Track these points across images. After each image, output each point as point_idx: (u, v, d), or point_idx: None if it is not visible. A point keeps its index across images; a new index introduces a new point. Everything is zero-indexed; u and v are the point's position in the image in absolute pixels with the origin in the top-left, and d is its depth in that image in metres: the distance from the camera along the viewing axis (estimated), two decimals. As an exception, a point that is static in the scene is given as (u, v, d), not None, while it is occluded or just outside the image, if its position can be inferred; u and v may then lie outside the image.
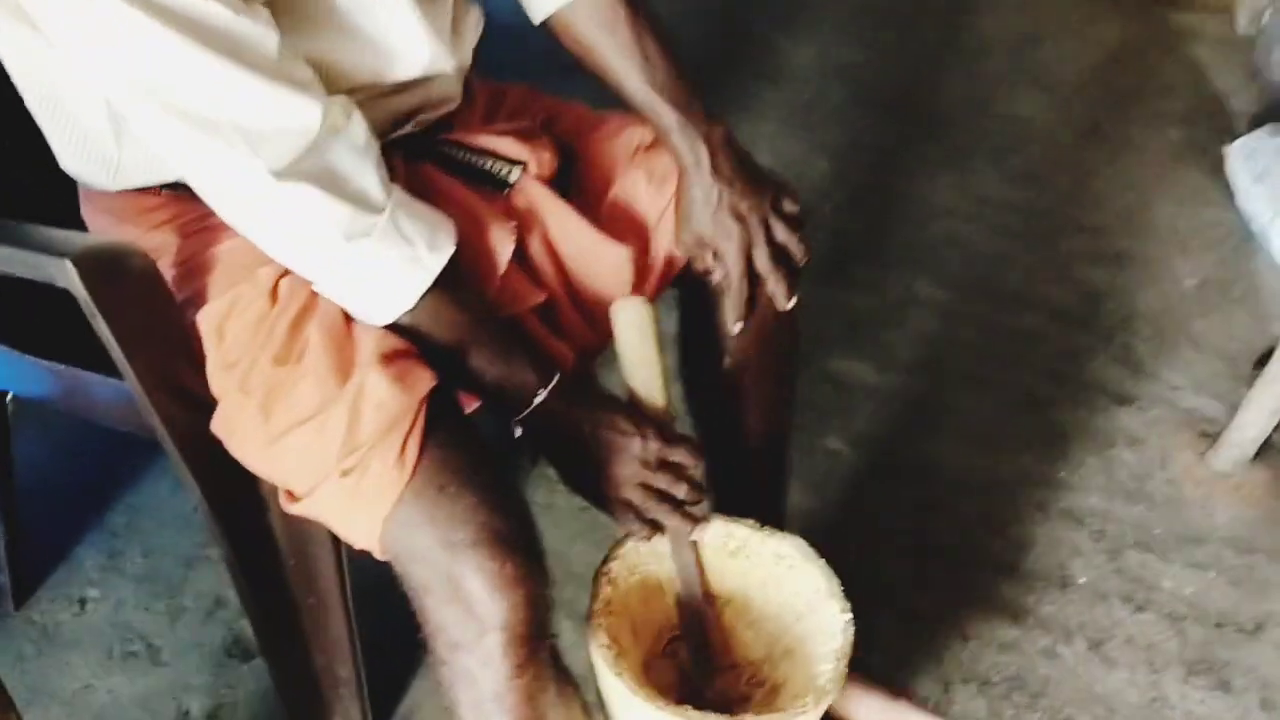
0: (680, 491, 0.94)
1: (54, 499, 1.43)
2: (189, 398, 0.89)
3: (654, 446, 0.92)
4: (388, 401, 0.82)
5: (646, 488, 0.93)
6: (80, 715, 1.22)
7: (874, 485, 1.49)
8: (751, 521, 0.99)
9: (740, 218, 0.99)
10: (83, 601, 1.33)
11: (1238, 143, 2.01)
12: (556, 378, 0.91)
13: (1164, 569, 1.40)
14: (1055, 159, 2.10)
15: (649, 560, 0.97)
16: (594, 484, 0.93)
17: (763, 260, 1.00)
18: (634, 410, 0.94)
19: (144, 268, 0.86)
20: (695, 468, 0.94)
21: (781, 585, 0.99)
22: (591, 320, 1.03)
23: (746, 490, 1.11)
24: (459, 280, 0.88)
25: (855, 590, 0.95)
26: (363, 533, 0.84)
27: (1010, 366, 1.67)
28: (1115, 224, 1.95)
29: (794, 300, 1.02)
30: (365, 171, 0.83)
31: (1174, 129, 2.18)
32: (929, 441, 1.55)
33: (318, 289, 0.86)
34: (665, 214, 1.03)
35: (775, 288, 1.01)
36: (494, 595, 0.82)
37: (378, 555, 0.85)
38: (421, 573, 0.83)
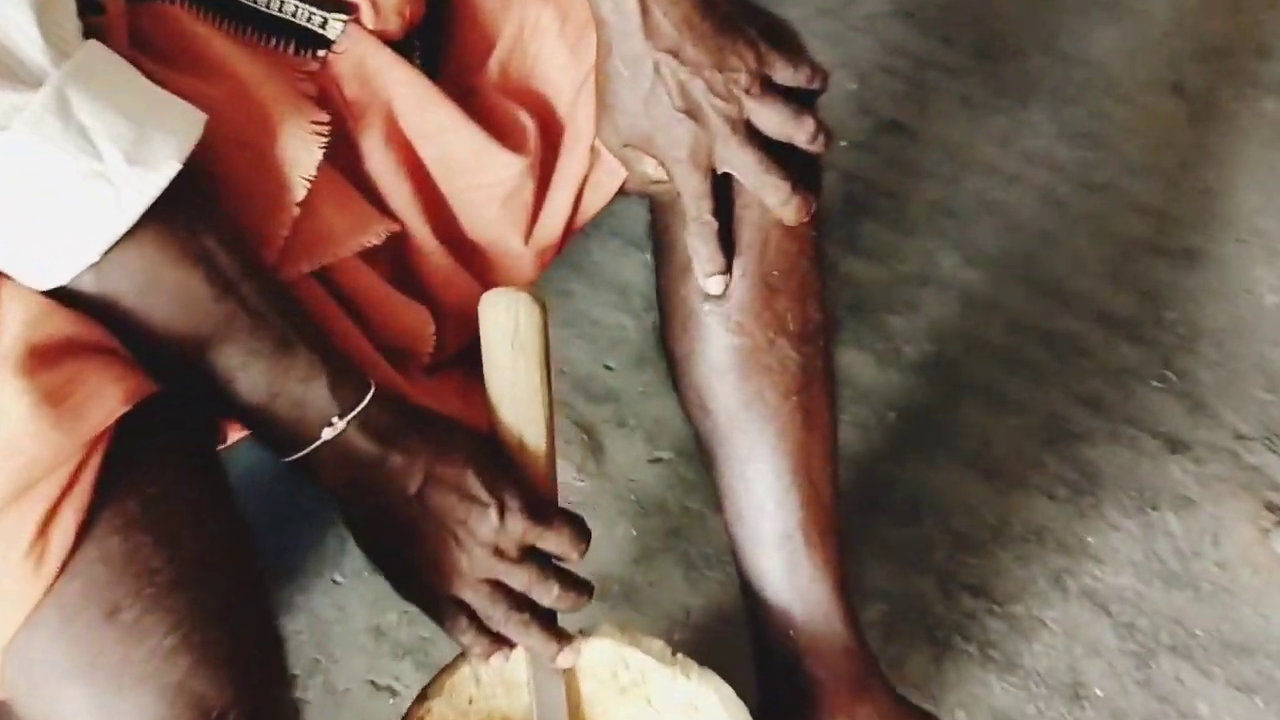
0: (548, 596, 0.59)
1: None
2: None
3: (517, 526, 0.58)
4: (24, 438, 0.46)
5: (496, 587, 0.58)
6: None
7: (848, 520, 1.15)
8: (660, 645, 0.65)
9: (692, 109, 0.63)
10: None
11: (1351, 130, 1.64)
12: (370, 394, 0.55)
13: (1203, 687, 1.08)
14: (1124, 119, 1.71)
15: (493, 693, 0.63)
16: (413, 571, 0.59)
17: (745, 167, 0.64)
18: (493, 462, 0.59)
19: None
20: (576, 560, 0.60)
21: (693, 744, 0.66)
22: (473, 266, 0.68)
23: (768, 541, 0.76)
24: (200, 215, 0.51)
25: None
26: None
27: (1039, 381, 1.32)
28: (1187, 211, 1.58)
29: (809, 211, 0.66)
30: (10, 10, 0.45)
31: (1270, 100, 1.79)
32: (926, 469, 1.21)
33: None
34: (587, 86, 0.67)
35: (779, 204, 0.65)
36: None
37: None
38: None
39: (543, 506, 0.59)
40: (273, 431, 0.54)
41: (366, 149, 0.62)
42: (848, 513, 1.17)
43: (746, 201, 0.68)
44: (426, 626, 0.99)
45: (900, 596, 1.09)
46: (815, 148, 0.64)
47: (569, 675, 0.64)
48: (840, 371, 1.32)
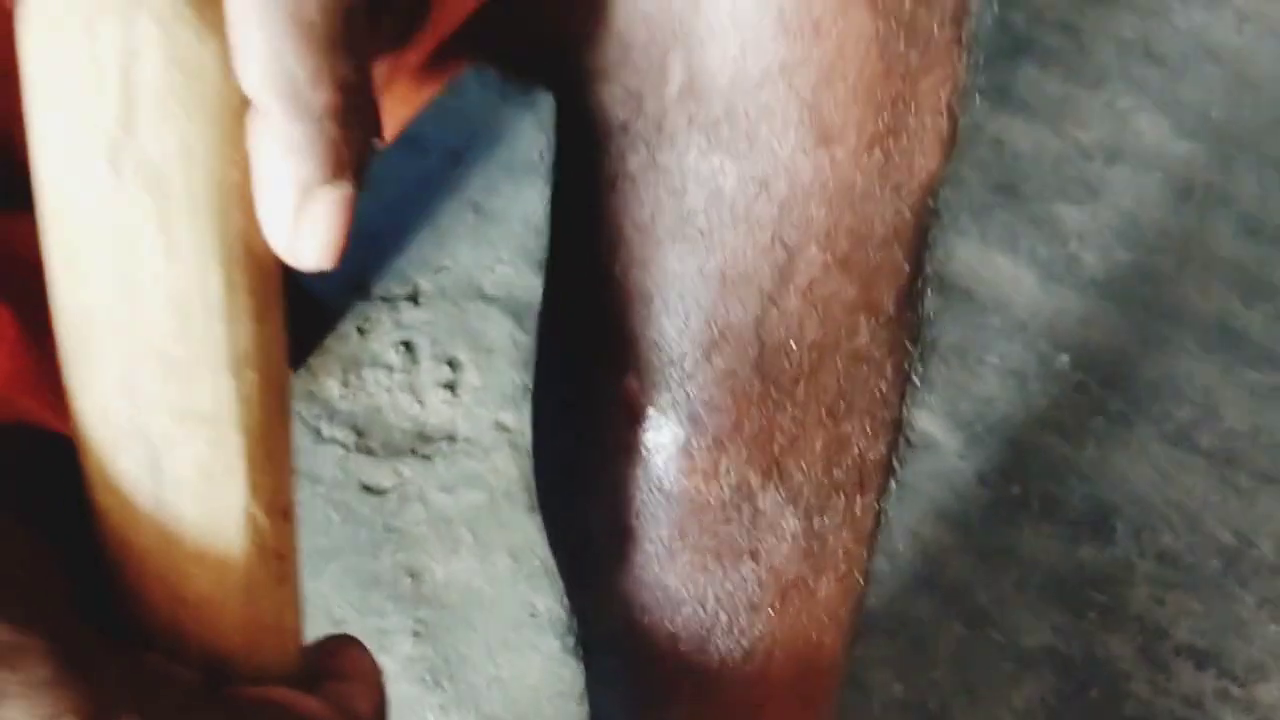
0: None
1: None
2: None
3: None
4: None
5: None
6: None
7: (987, 534, 0.73)
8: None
9: None
10: None
11: None
12: None
13: None
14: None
15: None
16: None
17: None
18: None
19: None
20: None
21: None
22: None
23: None
24: None
25: None
26: None
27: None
28: None
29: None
30: None
31: None
32: (1118, 449, 0.77)
33: None
34: None
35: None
36: None
37: None
38: None
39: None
40: None
41: None
42: (995, 516, 0.76)
43: (750, 162, 0.29)
44: None
45: (1077, 664, 0.67)
46: None
47: None
48: (984, 288, 0.89)
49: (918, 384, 0.35)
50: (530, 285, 0.79)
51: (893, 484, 0.37)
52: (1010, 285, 0.85)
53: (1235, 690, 0.68)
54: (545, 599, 0.65)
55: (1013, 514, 0.74)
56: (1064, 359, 0.81)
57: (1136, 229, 0.90)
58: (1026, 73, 0.99)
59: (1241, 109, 1.01)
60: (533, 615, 0.65)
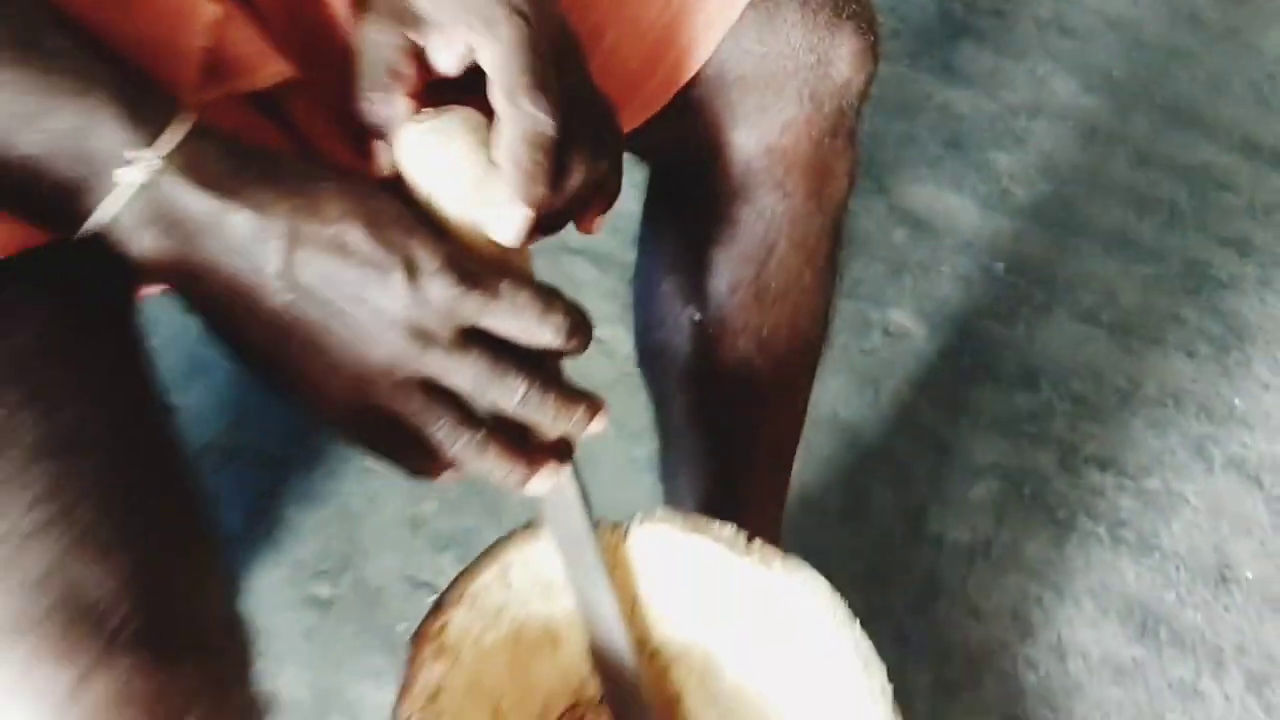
0: (509, 395, 0.40)
1: None
2: None
3: (441, 292, 0.39)
4: None
5: (431, 391, 0.40)
6: None
7: (954, 387, 1.00)
8: (730, 530, 0.52)
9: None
10: None
11: None
12: (189, 125, 0.37)
13: None
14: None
15: (527, 598, 0.51)
16: (303, 379, 0.40)
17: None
18: (392, 210, 0.40)
19: None
20: (561, 345, 0.41)
21: (781, 651, 0.53)
22: None
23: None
24: None
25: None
26: None
27: (1175, 222, 1.14)
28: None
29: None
30: None
31: None
32: (1042, 327, 1.04)
33: None
34: None
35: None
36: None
37: None
38: None
39: (478, 266, 0.39)
40: (54, 192, 0.36)
41: None
42: (953, 380, 1.03)
43: (753, 205, 0.58)
44: (470, 515, 0.88)
45: (1015, 472, 0.95)
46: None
47: (619, 567, 0.52)
48: (938, 218, 1.16)
49: (841, 278, 0.65)
50: (603, 240, 1.07)
51: (825, 349, 0.67)
52: (958, 215, 1.12)
53: (1128, 483, 0.96)
54: (642, 449, 0.93)
55: (966, 377, 1.01)
56: (999, 267, 1.09)
57: (1053, 166, 1.17)
58: (964, 50, 1.26)
59: (1136, 66, 1.28)
60: (631, 461, 0.92)
